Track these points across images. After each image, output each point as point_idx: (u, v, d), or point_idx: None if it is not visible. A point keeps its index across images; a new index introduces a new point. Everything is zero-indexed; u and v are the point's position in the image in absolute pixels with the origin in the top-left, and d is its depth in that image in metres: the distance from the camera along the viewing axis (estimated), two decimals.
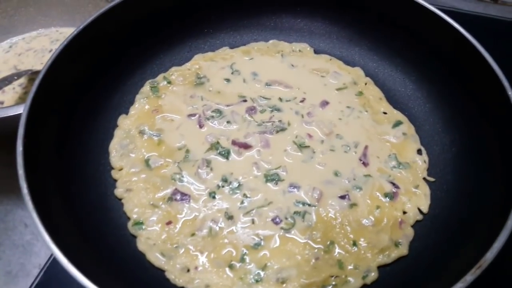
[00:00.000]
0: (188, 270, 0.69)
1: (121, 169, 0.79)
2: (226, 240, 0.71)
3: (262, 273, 0.68)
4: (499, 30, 1.16)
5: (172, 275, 0.68)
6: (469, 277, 0.55)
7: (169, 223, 0.73)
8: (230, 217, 0.73)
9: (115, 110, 0.86)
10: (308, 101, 0.88)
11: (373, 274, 0.69)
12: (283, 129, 0.83)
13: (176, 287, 0.68)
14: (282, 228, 0.72)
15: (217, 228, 0.72)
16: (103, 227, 0.71)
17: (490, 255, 0.57)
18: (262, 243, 0.71)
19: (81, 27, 0.81)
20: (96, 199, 0.75)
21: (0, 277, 0.84)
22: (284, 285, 0.67)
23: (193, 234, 0.72)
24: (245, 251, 0.70)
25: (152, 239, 0.71)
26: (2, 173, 0.95)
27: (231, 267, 0.69)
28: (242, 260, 0.69)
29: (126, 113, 0.86)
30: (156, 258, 0.70)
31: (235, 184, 0.76)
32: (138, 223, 0.73)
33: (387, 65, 0.94)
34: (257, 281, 0.68)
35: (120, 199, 0.76)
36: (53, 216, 0.63)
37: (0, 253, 0.86)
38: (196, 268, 0.69)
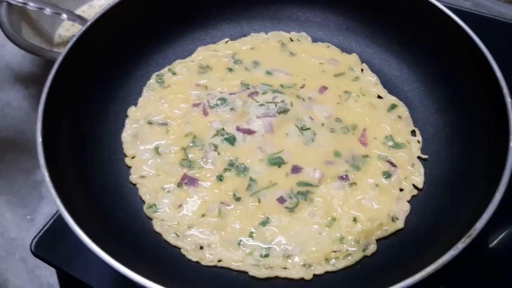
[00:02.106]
0: (202, 247, 0.74)
1: (133, 157, 0.83)
2: (235, 219, 0.76)
3: (269, 249, 0.73)
4: (495, 25, 1.19)
5: (187, 252, 0.74)
6: (460, 245, 0.60)
7: (180, 205, 0.77)
8: (238, 199, 0.78)
9: (123, 102, 0.90)
10: (308, 87, 0.93)
11: (372, 246, 0.74)
12: (285, 111, 0.86)
13: (192, 262, 0.73)
14: (286, 207, 0.77)
15: (226, 209, 0.77)
16: (120, 211, 0.76)
17: (479, 225, 0.62)
18: (268, 221, 0.76)
19: (88, 24, 0.85)
20: (112, 185, 0.79)
21: None
22: (290, 260, 0.72)
23: (203, 215, 0.76)
24: (252, 229, 0.75)
25: (166, 220, 0.76)
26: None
27: (240, 243, 0.74)
28: (251, 237, 0.74)
29: (135, 104, 0.91)
30: (171, 237, 0.75)
31: (241, 168, 0.81)
32: (152, 206, 0.78)
33: (383, 51, 0.98)
34: (265, 256, 0.73)
35: (134, 185, 0.81)
36: (73, 202, 0.67)
37: None
38: (208, 245, 0.74)
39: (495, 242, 0.87)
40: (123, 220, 0.75)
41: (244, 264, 0.73)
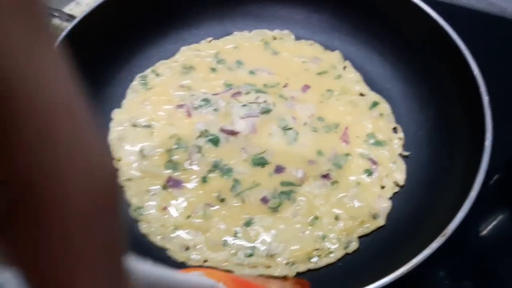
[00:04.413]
0: (188, 248, 0.76)
1: (119, 160, 0.85)
2: (219, 220, 0.77)
3: (253, 248, 0.75)
4: (474, 20, 1.20)
5: (173, 253, 0.75)
6: (434, 245, 0.62)
7: (165, 208, 0.79)
8: (222, 200, 0.79)
9: (107, 104, 0.91)
10: (290, 86, 0.93)
11: (353, 244, 0.76)
12: (268, 111, 0.87)
13: (178, 263, 0.75)
14: (270, 207, 0.78)
15: (211, 210, 0.78)
16: None
17: (453, 224, 0.63)
18: (252, 221, 0.77)
19: (68, 28, 0.85)
20: None
21: None
22: (273, 259, 0.74)
23: (189, 216, 0.78)
24: (237, 229, 0.76)
25: (153, 222, 0.78)
26: None
27: (225, 244, 0.75)
28: (235, 237, 0.76)
29: (119, 106, 0.91)
30: (157, 239, 0.76)
31: (225, 169, 0.82)
32: (138, 208, 0.79)
33: (365, 48, 0.98)
34: (249, 255, 0.74)
35: (122, 187, 0.82)
36: None
37: None
38: (194, 246, 0.76)
39: (486, 230, 0.89)
40: None
41: (229, 263, 0.74)
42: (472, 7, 1.22)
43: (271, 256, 0.75)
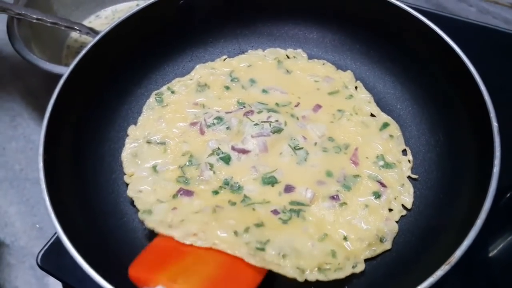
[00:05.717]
0: (195, 234, 0.70)
1: (132, 175, 0.87)
2: (229, 218, 0.74)
3: (265, 245, 0.72)
4: (483, 37, 1.19)
5: (180, 238, 0.70)
6: (439, 272, 0.62)
7: (174, 209, 0.77)
8: (233, 203, 0.79)
9: (124, 121, 0.94)
10: (302, 106, 0.95)
11: (360, 265, 0.75)
12: (279, 130, 0.88)
13: None
14: (280, 218, 0.78)
15: (221, 209, 0.77)
16: (119, 230, 0.80)
17: (459, 252, 0.64)
18: (263, 225, 0.75)
19: (88, 46, 0.88)
20: (112, 205, 0.83)
21: None
22: (284, 260, 0.71)
23: (197, 212, 0.76)
24: (249, 226, 0.73)
25: (160, 218, 0.76)
26: None
27: (236, 233, 0.72)
28: (246, 231, 0.73)
29: (135, 123, 0.94)
30: (163, 229, 0.72)
31: (236, 186, 0.83)
32: (147, 211, 0.78)
33: (377, 69, 0.99)
34: (260, 249, 0.71)
35: (132, 200, 0.83)
36: (72, 223, 0.71)
37: None
38: (203, 231, 0.70)
39: (496, 251, 0.89)
40: (121, 240, 0.78)
41: (240, 252, 0.69)
42: (487, 25, 1.22)
43: (283, 256, 0.71)
